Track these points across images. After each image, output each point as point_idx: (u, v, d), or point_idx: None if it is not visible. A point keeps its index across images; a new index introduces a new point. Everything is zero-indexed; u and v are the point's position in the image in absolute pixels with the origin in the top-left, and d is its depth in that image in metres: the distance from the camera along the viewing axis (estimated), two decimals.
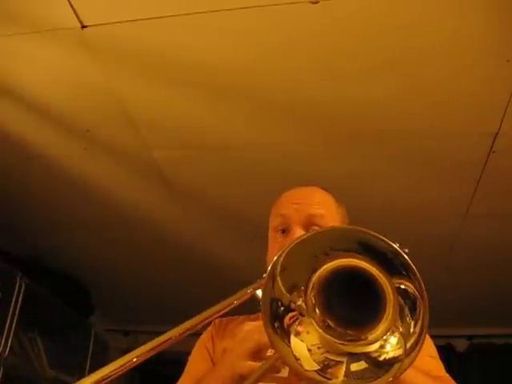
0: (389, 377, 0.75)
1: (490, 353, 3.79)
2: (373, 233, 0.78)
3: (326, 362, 0.80)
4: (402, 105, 1.99)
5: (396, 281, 0.77)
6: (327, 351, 0.81)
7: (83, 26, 1.75)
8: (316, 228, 1.09)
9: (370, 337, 0.79)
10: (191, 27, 1.73)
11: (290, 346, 0.80)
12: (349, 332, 0.81)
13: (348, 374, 0.78)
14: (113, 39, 1.80)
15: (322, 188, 1.22)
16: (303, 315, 0.82)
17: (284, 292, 0.82)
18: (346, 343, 0.81)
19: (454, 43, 1.73)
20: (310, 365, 0.80)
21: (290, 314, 0.82)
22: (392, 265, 0.77)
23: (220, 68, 1.90)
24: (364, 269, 0.79)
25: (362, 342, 0.80)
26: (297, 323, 0.82)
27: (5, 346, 2.70)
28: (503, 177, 2.34)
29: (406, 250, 1.20)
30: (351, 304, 0.84)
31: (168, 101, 2.06)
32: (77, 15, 1.71)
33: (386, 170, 2.38)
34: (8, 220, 2.95)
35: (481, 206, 2.54)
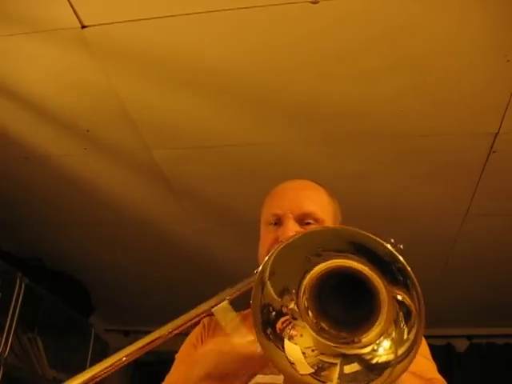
0: (380, 381, 0.74)
1: (490, 353, 3.79)
2: (367, 233, 0.76)
3: (320, 365, 0.79)
4: (401, 105, 1.99)
5: (392, 288, 0.75)
6: (321, 353, 0.80)
7: (83, 26, 1.75)
8: (311, 226, 1.08)
9: (364, 339, 0.78)
10: (191, 27, 1.73)
11: (283, 351, 0.79)
12: (342, 334, 0.80)
13: (341, 376, 0.77)
14: (113, 39, 1.80)
15: (314, 182, 1.22)
16: (296, 318, 0.81)
17: (275, 297, 0.80)
18: (339, 345, 0.79)
19: (454, 43, 1.73)
20: (304, 368, 0.79)
21: (283, 319, 0.80)
22: (389, 271, 0.75)
23: (220, 68, 1.90)
24: (359, 270, 0.78)
25: (356, 344, 0.79)
26: (290, 327, 0.80)
27: (5, 346, 2.70)
28: (503, 177, 2.34)
29: (401, 247, 1.20)
30: (345, 305, 0.83)
31: (168, 101, 2.06)
32: (77, 15, 1.71)
33: (386, 170, 2.38)
34: (8, 220, 2.95)
35: (481, 206, 2.54)
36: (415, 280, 0.72)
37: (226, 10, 1.66)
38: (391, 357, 0.75)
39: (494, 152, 2.18)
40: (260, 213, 1.22)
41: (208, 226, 2.94)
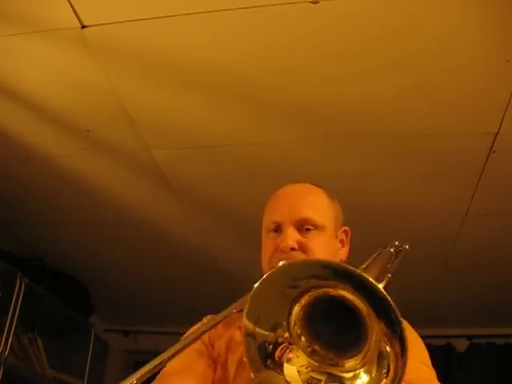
0: None
1: (490, 353, 3.79)
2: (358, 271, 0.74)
3: (309, 381, 0.83)
4: (401, 105, 1.99)
5: (380, 325, 0.75)
6: (312, 370, 0.84)
7: (83, 26, 1.75)
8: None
9: (346, 364, 0.81)
10: (191, 27, 1.73)
11: (282, 374, 0.83)
12: (330, 355, 0.83)
13: None
14: (113, 39, 1.80)
15: (313, 184, 1.22)
16: (292, 344, 0.84)
17: (268, 334, 0.83)
18: (326, 366, 0.83)
19: (454, 43, 1.73)
20: None
21: (280, 347, 0.84)
22: (381, 310, 0.74)
23: (220, 68, 1.90)
24: (347, 299, 0.78)
25: (339, 367, 0.82)
26: (287, 351, 0.84)
27: (5, 346, 2.70)
28: (503, 177, 2.34)
29: (407, 247, 1.20)
30: (336, 328, 0.85)
31: (168, 101, 2.06)
32: (77, 15, 1.71)
33: (386, 170, 2.38)
34: (8, 220, 2.95)
35: (481, 205, 2.54)
36: (404, 334, 0.71)
37: (225, 9, 1.66)
38: None
39: (493, 152, 2.18)
40: (261, 215, 1.22)
41: (208, 226, 2.94)
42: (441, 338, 3.69)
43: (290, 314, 0.83)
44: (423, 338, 1.11)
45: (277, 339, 0.83)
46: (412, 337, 1.08)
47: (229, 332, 1.16)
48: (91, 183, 2.62)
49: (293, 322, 0.84)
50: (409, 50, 1.77)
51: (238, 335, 1.13)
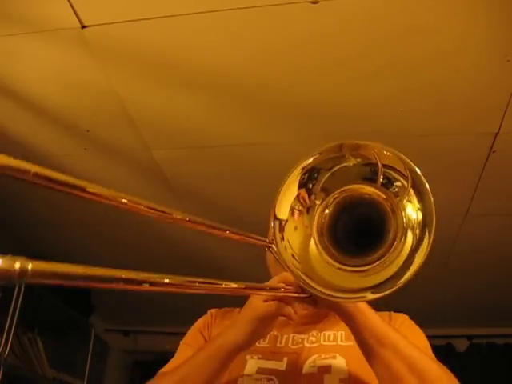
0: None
1: (490, 353, 3.79)
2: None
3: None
4: (401, 105, 1.99)
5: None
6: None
7: (83, 26, 1.75)
8: None
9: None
10: (191, 27, 1.73)
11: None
12: (349, 259, 0.86)
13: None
14: (113, 39, 1.80)
15: None
16: (308, 213, 0.88)
17: (319, 180, 0.88)
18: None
19: (454, 43, 1.73)
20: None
21: (305, 196, 0.88)
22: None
23: (220, 68, 1.90)
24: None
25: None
26: (299, 208, 0.87)
27: (5, 346, 2.70)
28: (503, 177, 2.34)
29: None
30: (354, 241, 0.89)
31: (168, 101, 2.06)
32: (77, 15, 1.71)
33: None
34: (8, 220, 2.95)
35: (481, 205, 2.54)
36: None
37: (225, 10, 1.66)
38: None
39: (493, 152, 2.18)
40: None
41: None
42: (441, 337, 3.69)
43: (339, 193, 0.88)
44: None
45: (311, 192, 0.87)
46: (414, 327, 1.10)
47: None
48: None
49: (332, 201, 0.88)
50: (409, 51, 1.76)
51: None
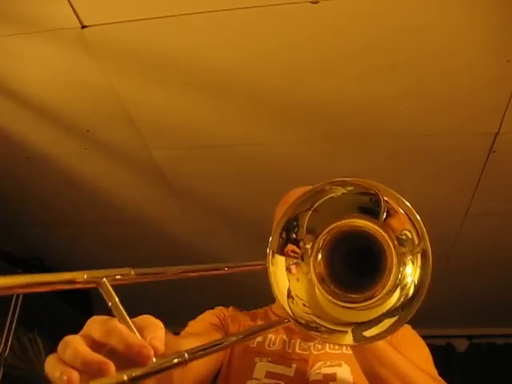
0: None
1: (490, 353, 3.78)
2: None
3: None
4: (401, 105, 1.99)
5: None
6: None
7: (83, 26, 1.75)
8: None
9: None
10: (191, 27, 1.73)
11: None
12: (350, 296, 0.83)
13: None
14: (113, 39, 1.80)
15: None
16: (303, 260, 0.84)
17: (303, 226, 0.83)
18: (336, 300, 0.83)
19: (454, 43, 1.73)
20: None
21: (294, 248, 0.84)
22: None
23: (220, 68, 1.90)
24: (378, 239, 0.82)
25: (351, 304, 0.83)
26: (294, 262, 0.84)
27: (5, 346, 2.70)
28: (503, 177, 2.34)
29: None
30: (353, 271, 0.87)
31: (168, 101, 2.06)
32: (77, 15, 1.71)
33: (386, 170, 2.38)
34: (8, 220, 2.95)
35: (481, 206, 2.54)
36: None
37: (226, 10, 1.66)
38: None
39: (493, 152, 2.18)
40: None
41: (207, 225, 2.94)
42: (441, 337, 3.69)
43: (328, 230, 0.84)
44: (423, 338, 1.12)
45: (300, 241, 0.83)
46: (415, 338, 1.10)
47: (247, 321, 1.21)
48: (91, 183, 2.62)
49: (322, 239, 0.84)
50: (409, 50, 1.77)
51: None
